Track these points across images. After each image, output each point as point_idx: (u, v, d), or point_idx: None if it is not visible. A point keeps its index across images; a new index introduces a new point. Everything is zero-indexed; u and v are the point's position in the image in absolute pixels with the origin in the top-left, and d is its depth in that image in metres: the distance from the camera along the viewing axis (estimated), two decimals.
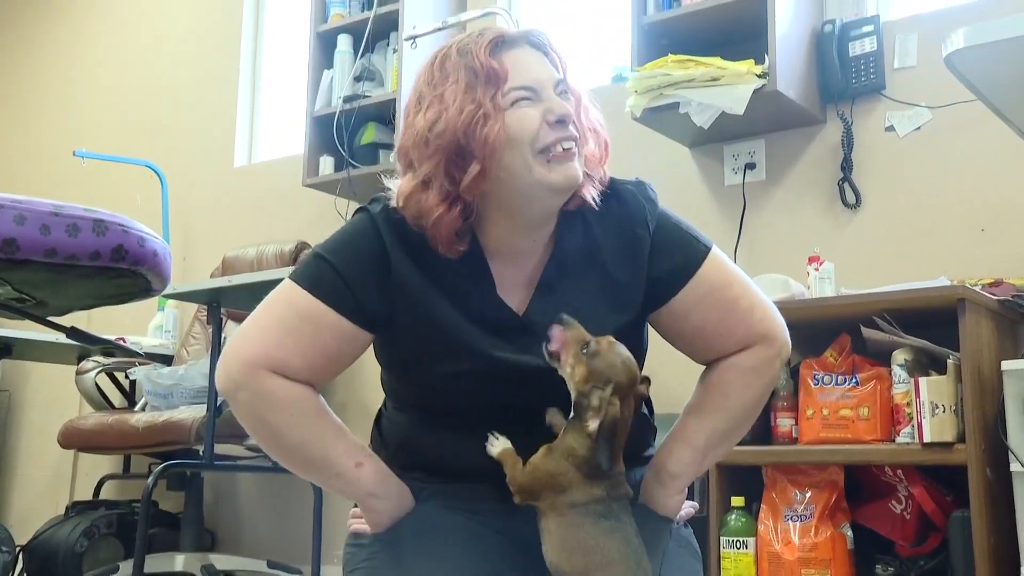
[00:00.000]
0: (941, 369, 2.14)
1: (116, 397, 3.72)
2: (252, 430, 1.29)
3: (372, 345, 1.34)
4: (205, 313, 3.79)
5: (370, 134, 3.41)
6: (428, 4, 3.44)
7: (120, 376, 3.77)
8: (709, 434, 1.34)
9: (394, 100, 3.33)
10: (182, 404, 3.23)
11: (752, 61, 2.61)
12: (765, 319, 1.34)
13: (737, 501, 2.30)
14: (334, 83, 3.51)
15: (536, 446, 1.24)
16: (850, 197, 2.75)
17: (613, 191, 1.34)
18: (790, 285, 2.39)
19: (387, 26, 3.46)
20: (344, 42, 3.53)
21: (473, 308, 1.29)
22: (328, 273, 1.27)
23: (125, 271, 1.60)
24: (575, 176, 1.26)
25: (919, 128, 2.68)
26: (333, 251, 1.30)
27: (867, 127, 2.76)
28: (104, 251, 1.55)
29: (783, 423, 2.33)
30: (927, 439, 2.07)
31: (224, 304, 3.05)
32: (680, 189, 2.97)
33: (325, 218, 3.50)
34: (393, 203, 1.30)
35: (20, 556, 3.37)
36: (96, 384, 3.65)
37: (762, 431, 2.33)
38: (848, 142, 2.76)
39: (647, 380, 1.27)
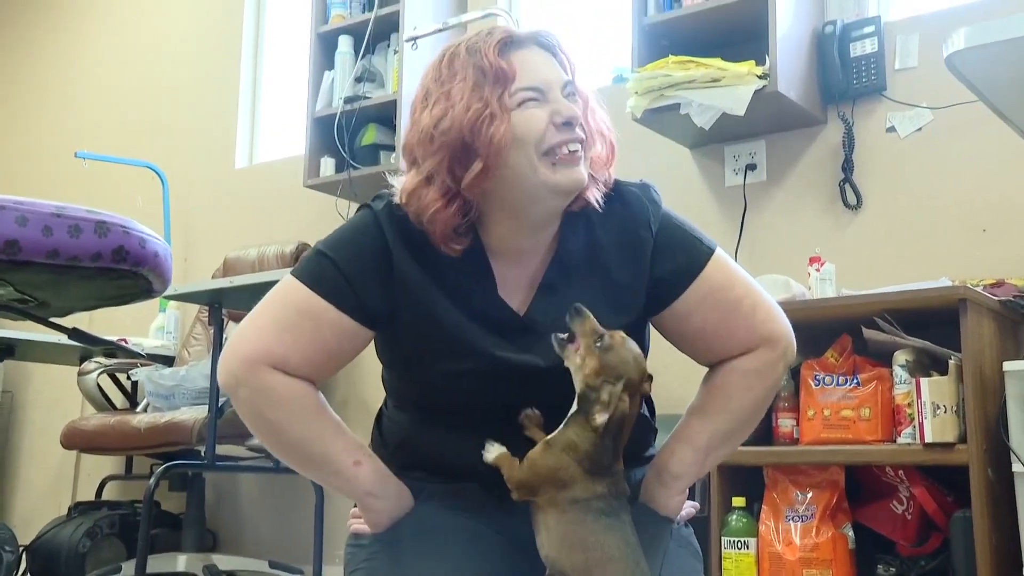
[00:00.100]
0: (942, 370, 2.14)
1: (118, 398, 3.72)
2: (253, 426, 1.29)
3: (373, 343, 1.34)
4: (206, 314, 3.80)
5: (371, 135, 3.42)
6: (429, 5, 3.44)
7: (122, 377, 3.77)
8: (711, 435, 1.33)
9: (395, 101, 3.33)
10: (184, 405, 3.24)
11: (753, 62, 2.61)
12: (768, 321, 1.32)
13: (738, 501, 2.30)
14: (335, 84, 3.51)
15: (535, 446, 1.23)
16: (851, 198, 2.75)
17: (617, 193, 1.34)
18: (791, 286, 2.39)
19: (388, 27, 3.46)
20: (345, 43, 3.53)
21: (474, 307, 1.29)
22: (330, 270, 1.27)
23: (127, 272, 1.60)
24: (580, 179, 1.26)
25: (920, 129, 2.68)
26: (335, 248, 1.29)
27: (868, 128, 2.76)
28: (106, 252, 1.55)
29: (784, 423, 2.33)
30: (928, 439, 2.07)
31: (225, 305, 3.06)
32: (681, 190, 2.96)
33: (326, 219, 3.50)
34: (396, 200, 1.29)
35: (23, 556, 3.39)
36: (98, 385, 3.65)
37: (763, 431, 2.33)
38: (849, 143, 2.76)
39: (650, 378, 1.26)
